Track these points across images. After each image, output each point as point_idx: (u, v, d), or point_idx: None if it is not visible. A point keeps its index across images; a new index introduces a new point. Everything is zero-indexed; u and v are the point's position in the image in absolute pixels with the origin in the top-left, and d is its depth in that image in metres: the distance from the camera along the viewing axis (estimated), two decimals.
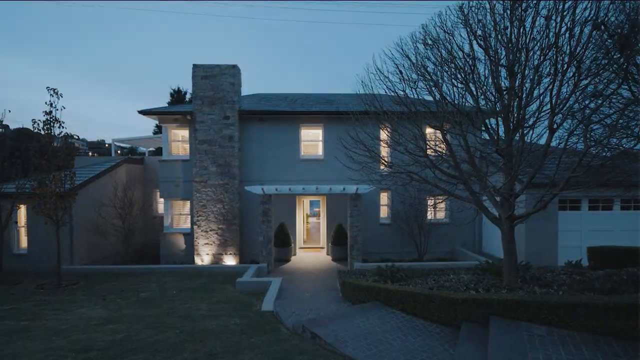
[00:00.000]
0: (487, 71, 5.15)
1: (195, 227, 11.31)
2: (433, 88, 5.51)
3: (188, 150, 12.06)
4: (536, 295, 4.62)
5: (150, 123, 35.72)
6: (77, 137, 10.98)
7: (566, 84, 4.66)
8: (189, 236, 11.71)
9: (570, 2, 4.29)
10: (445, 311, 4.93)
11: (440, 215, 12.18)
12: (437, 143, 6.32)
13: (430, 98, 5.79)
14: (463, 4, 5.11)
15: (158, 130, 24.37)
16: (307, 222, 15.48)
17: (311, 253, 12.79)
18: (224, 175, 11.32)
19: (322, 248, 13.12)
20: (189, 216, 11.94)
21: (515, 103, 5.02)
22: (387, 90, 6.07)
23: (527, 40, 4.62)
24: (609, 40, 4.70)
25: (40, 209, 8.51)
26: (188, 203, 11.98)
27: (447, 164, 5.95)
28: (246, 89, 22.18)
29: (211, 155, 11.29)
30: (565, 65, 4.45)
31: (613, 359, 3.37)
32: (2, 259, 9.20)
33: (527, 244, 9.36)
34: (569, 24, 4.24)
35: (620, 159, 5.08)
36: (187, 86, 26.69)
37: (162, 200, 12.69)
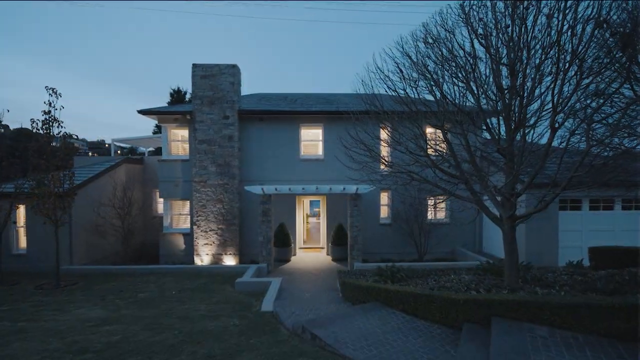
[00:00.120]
0: (488, 70, 5.11)
1: (194, 227, 11.27)
2: (434, 87, 5.47)
3: (188, 150, 12.02)
4: (538, 296, 4.58)
5: (150, 123, 35.72)
6: (76, 137, 10.92)
7: (568, 83, 4.62)
8: (189, 236, 11.67)
9: (571, 1, 4.25)
10: (446, 312, 4.89)
11: (441, 215, 12.14)
12: (438, 142, 6.28)
13: (431, 97, 5.75)
14: (464, 2, 5.07)
15: (158, 130, 24.33)
16: (307, 222, 15.44)
17: (311, 253, 12.75)
18: (223, 175, 11.28)
19: (322, 248, 13.07)
20: (189, 216, 11.90)
21: (517, 102, 4.98)
22: (387, 90, 6.03)
23: (529, 39, 4.58)
24: (610, 39, 4.66)
25: (38, 208, 8.47)
26: (188, 203, 11.94)
27: (447, 163, 5.91)
28: (246, 89, 22.18)
29: (211, 155, 11.25)
30: (567, 64, 4.40)
31: None
32: (1, 259, 9.16)
33: (528, 244, 9.31)
34: (571, 21, 4.19)
35: (623, 158, 5.04)
36: (187, 86, 26.68)
37: (161, 200, 12.65)
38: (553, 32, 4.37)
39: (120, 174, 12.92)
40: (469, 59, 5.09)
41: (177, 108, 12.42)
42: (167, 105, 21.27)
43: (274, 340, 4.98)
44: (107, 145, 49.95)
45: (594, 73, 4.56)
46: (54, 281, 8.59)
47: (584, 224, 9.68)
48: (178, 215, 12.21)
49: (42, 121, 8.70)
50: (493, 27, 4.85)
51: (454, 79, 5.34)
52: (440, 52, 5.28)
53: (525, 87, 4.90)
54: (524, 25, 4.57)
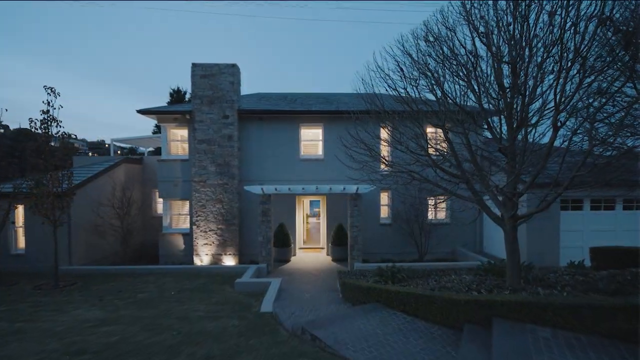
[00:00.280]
0: (489, 69, 5.07)
1: (194, 227, 11.22)
2: (435, 86, 5.42)
3: (187, 149, 11.97)
4: (540, 296, 4.54)
5: (150, 123, 35.67)
6: (74, 137, 10.84)
7: (570, 82, 4.58)
8: (188, 236, 11.63)
9: None
10: (447, 313, 4.84)
11: (441, 215, 12.10)
12: (439, 142, 6.24)
13: (431, 96, 5.70)
14: (465, 0, 5.02)
15: (157, 130, 24.29)
16: (307, 222, 15.39)
17: (311, 253, 12.70)
18: (223, 175, 11.24)
19: (322, 248, 13.03)
20: (188, 216, 11.86)
21: (519, 100, 4.93)
22: (387, 89, 5.99)
23: (531, 37, 4.53)
24: (613, 38, 4.62)
25: (37, 208, 8.43)
26: (187, 203, 11.90)
27: (448, 163, 5.87)
28: (246, 89, 22.12)
29: (210, 154, 11.21)
30: (570, 62, 4.36)
31: None
32: (0, 260, 9.11)
33: (529, 244, 9.27)
34: (574, 18, 4.15)
35: (626, 158, 5.00)
36: (186, 86, 26.65)
37: (161, 200, 12.60)
38: (555, 29, 4.32)
39: (120, 174, 12.88)
40: (470, 57, 5.04)
41: (176, 108, 12.38)
42: (166, 105, 21.22)
43: (274, 341, 4.94)
44: (107, 146, 49.92)
45: (596, 71, 4.52)
46: (52, 281, 8.54)
47: (585, 224, 9.64)
48: (177, 215, 12.17)
49: (41, 121, 8.66)
50: (495, 25, 4.80)
51: (455, 78, 5.29)
52: (441, 51, 5.24)
53: (527, 85, 4.86)
54: (525, 23, 4.53)
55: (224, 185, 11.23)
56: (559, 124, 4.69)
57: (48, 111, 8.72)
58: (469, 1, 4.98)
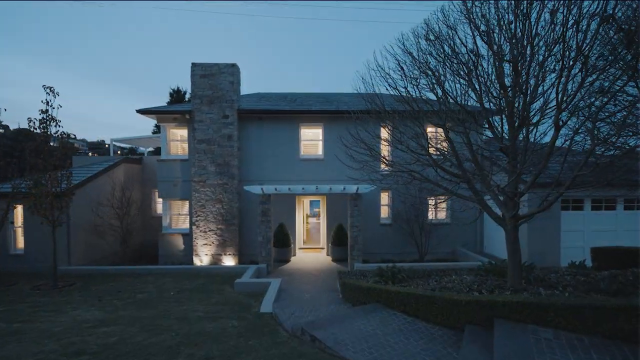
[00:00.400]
0: (490, 67, 5.03)
1: (194, 227, 11.19)
2: (435, 85, 5.39)
3: (187, 149, 11.94)
4: (542, 297, 4.51)
5: (150, 123, 35.65)
6: (73, 136, 10.83)
7: (571, 81, 4.55)
8: (188, 236, 11.59)
9: None
10: (448, 313, 4.81)
11: (442, 215, 12.07)
12: (439, 141, 6.21)
13: (432, 95, 5.67)
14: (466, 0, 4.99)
15: (157, 130, 24.24)
16: (307, 222, 15.36)
17: (311, 253, 12.67)
18: (222, 175, 11.20)
19: (322, 248, 12.99)
20: (188, 216, 11.83)
21: (520, 99, 4.90)
22: (388, 88, 5.95)
23: (533, 35, 4.50)
24: (614, 37, 4.59)
25: (35, 209, 8.40)
26: (187, 203, 11.86)
27: (449, 162, 5.83)
28: (246, 89, 22.08)
29: (210, 154, 11.18)
30: (572, 61, 4.33)
31: None
32: None
33: (530, 244, 9.24)
34: (576, 16, 4.12)
35: (628, 158, 4.97)
36: (186, 86, 26.64)
37: (160, 200, 12.57)
38: (557, 28, 4.29)
39: (119, 174, 12.85)
40: (471, 56, 5.01)
41: (176, 107, 12.35)
42: (166, 105, 21.20)
43: (273, 342, 4.90)
44: (107, 146, 49.88)
45: (598, 70, 4.49)
46: (51, 282, 8.51)
47: (586, 224, 9.61)
48: (177, 215, 12.14)
49: (40, 120, 8.63)
50: (496, 24, 4.77)
51: (455, 77, 5.26)
52: (442, 49, 5.20)
53: (529, 84, 4.83)
54: (527, 21, 4.49)
55: (223, 185, 11.20)
56: (560, 123, 4.66)
57: (47, 111, 8.68)
58: (470, 0, 4.95)
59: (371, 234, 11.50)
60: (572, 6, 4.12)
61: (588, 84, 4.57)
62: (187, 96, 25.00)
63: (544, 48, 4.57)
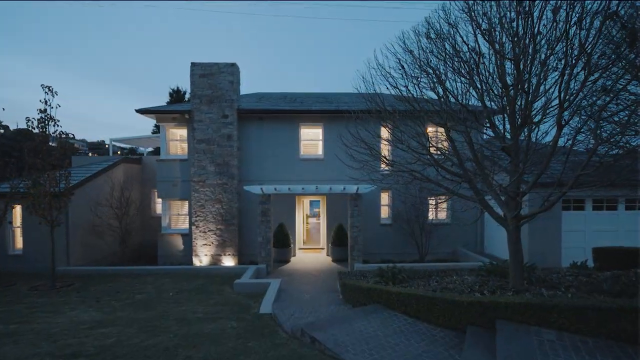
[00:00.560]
0: (491, 66, 4.98)
1: (193, 227, 11.13)
2: (436, 84, 5.34)
3: (186, 149, 11.88)
4: (545, 298, 4.45)
5: (150, 123, 35.61)
6: (72, 136, 10.77)
7: (574, 80, 4.50)
8: (187, 237, 11.54)
9: None
10: (449, 314, 4.75)
11: (442, 215, 12.01)
12: (440, 141, 6.16)
13: (433, 94, 5.62)
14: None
15: (157, 130, 24.16)
16: (306, 223, 15.30)
17: (311, 254, 12.61)
18: (222, 175, 11.15)
19: (322, 249, 12.94)
20: (187, 216, 11.77)
21: (523, 98, 4.85)
22: (389, 87, 5.90)
23: (535, 32, 4.45)
24: (617, 35, 4.54)
25: (34, 209, 8.34)
26: (186, 203, 11.81)
27: (450, 162, 5.78)
28: (247, 89, 22.06)
29: (209, 154, 11.13)
30: (575, 59, 4.28)
31: None
32: None
33: (531, 244, 9.19)
34: (579, 13, 4.07)
35: (631, 158, 4.91)
36: (186, 86, 26.60)
37: (160, 200, 12.51)
38: (560, 25, 4.23)
39: (118, 174, 12.80)
40: (472, 54, 4.96)
41: (175, 107, 12.30)
42: (166, 104, 21.15)
43: (272, 343, 4.85)
44: (106, 146, 49.84)
45: (601, 69, 4.44)
46: (49, 282, 8.45)
47: (587, 224, 9.56)
48: (176, 215, 12.08)
49: (38, 120, 8.58)
50: (497, 22, 4.72)
51: (457, 76, 5.21)
52: (443, 47, 5.15)
53: (531, 83, 4.77)
54: (529, 19, 4.44)
55: (223, 185, 11.14)
56: (563, 122, 4.61)
57: (45, 110, 8.64)
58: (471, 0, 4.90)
59: (371, 234, 11.45)
60: (575, 4, 4.07)
61: (590, 82, 4.52)
62: (187, 96, 24.96)
63: (546, 46, 4.52)
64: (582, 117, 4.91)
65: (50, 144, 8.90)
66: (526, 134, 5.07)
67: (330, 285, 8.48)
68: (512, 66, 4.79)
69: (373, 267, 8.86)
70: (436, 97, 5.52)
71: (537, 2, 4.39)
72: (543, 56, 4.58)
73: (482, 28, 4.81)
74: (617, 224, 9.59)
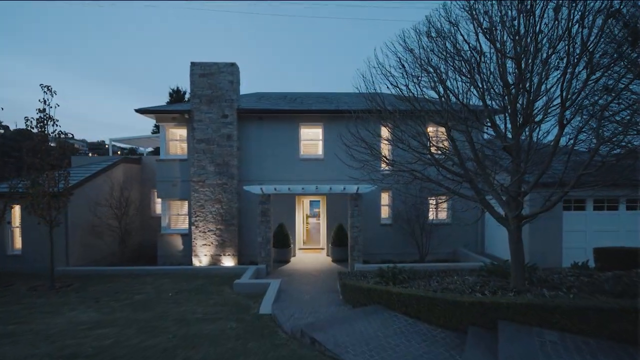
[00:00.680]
0: (492, 65, 4.95)
1: (193, 227, 11.10)
2: (437, 83, 5.31)
3: (186, 149, 11.85)
4: (546, 298, 4.41)
5: (150, 123, 35.60)
6: (71, 136, 10.77)
7: (575, 79, 4.47)
8: (187, 237, 11.50)
9: None
10: (450, 315, 4.72)
11: (442, 215, 11.98)
12: (441, 140, 6.12)
13: (433, 94, 5.59)
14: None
15: (157, 130, 24.13)
16: (306, 223, 15.27)
17: (311, 254, 12.58)
18: (222, 175, 11.12)
19: (322, 249, 12.91)
20: (187, 216, 11.74)
21: (525, 97, 4.82)
22: (389, 86, 5.87)
23: (537, 31, 4.42)
24: (619, 35, 4.51)
25: (32, 208, 8.31)
26: (186, 203, 11.77)
27: (451, 161, 5.75)
28: (246, 89, 22.05)
29: (209, 154, 11.10)
30: (576, 59, 4.25)
31: None
32: None
33: (531, 245, 9.15)
34: (581, 11, 4.04)
35: (633, 158, 4.88)
36: (186, 86, 26.59)
37: (159, 200, 12.48)
38: (562, 23, 4.20)
39: (118, 174, 12.77)
40: (473, 53, 4.93)
41: (175, 107, 12.27)
42: (165, 104, 21.12)
43: (272, 344, 4.82)
44: (106, 146, 49.79)
45: (603, 68, 4.41)
46: (48, 283, 8.42)
47: (588, 225, 9.52)
48: (176, 215, 12.05)
49: (37, 119, 8.54)
50: (498, 21, 4.69)
51: (457, 75, 5.17)
52: (444, 46, 5.12)
53: (532, 82, 4.74)
54: (531, 17, 4.41)
55: (223, 185, 11.11)
56: (564, 121, 4.58)
57: (44, 110, 8.60)
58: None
59: (371, 235, 11.42)
60: (577, 2, 4.04)
61: (592, 81, 4.49)
62: (187, 96, 24.94)
63: (547, 45, 4.49)
64: (584, 116, 4.88)
65: (49, 143, 8.86)
66: (527, 133, 5.03)
67: (330, 285, 8.44)
68: (514, 65, 4.76)
69: (373, 268, 8.83)
70: (437, 97, 5.49)
71: (538, 0, 4.36)
72: (545, 55, 4.55)
73: (483, 27, 4.78)
74: (618, 224, 9.55)
